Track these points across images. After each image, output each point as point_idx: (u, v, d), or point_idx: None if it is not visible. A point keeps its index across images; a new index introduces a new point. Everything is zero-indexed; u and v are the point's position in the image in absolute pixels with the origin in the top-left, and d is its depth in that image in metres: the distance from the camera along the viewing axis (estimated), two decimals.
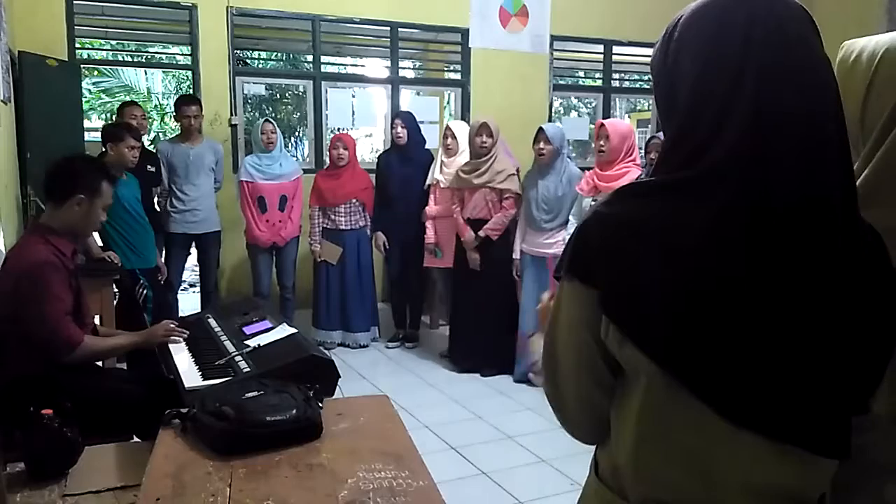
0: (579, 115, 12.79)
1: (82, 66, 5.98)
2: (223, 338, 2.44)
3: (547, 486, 2.96)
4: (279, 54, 10.91)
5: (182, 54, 7.14)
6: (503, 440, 3.43)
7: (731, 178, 0.77)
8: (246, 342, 2.34)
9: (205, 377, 2.11)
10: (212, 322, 2.63)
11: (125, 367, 3.57)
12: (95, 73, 11.45)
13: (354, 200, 4.78)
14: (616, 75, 7.22)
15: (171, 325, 2.49)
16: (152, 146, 7.66)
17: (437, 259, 4.76)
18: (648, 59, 0.93)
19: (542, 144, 4.09)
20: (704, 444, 0.80)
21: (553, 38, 6.49)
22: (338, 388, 2.26)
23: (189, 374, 2.15)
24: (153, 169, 4.61)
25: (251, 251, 4.80)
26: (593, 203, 0.90)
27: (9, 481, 1.82)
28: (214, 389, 1.92)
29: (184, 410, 1.76)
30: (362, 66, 8.49)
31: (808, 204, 0.77)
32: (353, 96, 6.60)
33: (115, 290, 3.93)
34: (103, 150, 4.05)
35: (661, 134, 4.32)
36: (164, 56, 8.58)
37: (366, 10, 5.91)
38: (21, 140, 4.43)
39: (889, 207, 0.90)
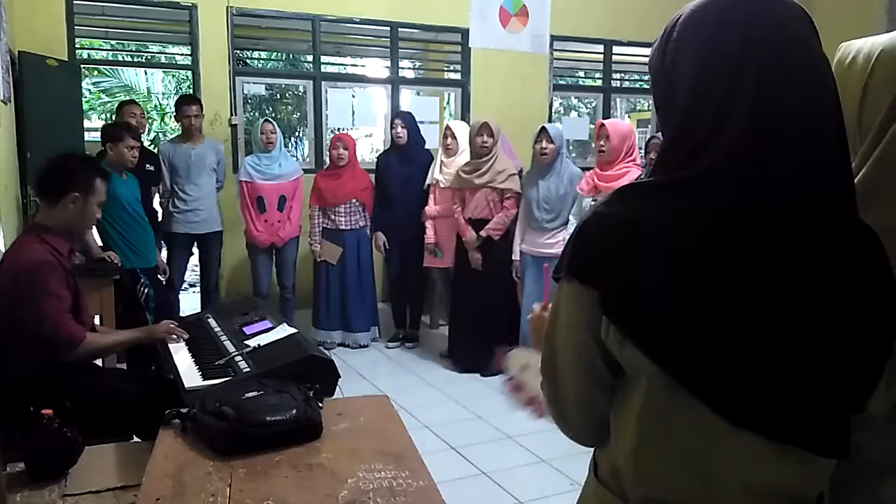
0: (579, 115, 12.79)
1: (82, 66, 5.99)
2: (223, 338, 2.44)
3: (547, 486, 2.96)
4: (279, 54, 10.92)
5: (182, 54, 7.14)
6: (503, 440, 3.43)
7: (730, 178, 0.77)
8: (246, 342, 2.34)
9: (205, 377, 2.11)
10: (212, 322, 2.63)
11: (125, 367, 3.58)
12: (95, 73, 11.45)
13: (354, 200, 4.78)
14: (616, 75, 7.22)
15: (172, 325, 2.50)
16: (152, 146, 7.64)
17: (437, 259, 4.76)
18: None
19: (544, 144, 4.10)
20: (704, 444, 0.80)
21: (553, 38, 6.50)
22: (338, 388, 2.26)
23: (189, 374, 2.15)
24: (152, 168, 4.61)
25: (251, 251, 4.81)
26: (593, 203, 0.89)
27: (9, 481, 1.82)
28: (214, 389, 1.92)
29: (184, 410, 1.76)
30: (362, 66, 8.49)
31: (807, 204, 0.77)
32: (353, 96, 6.60)
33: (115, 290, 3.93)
34: (102, 149, 4.06)
35: (660, 134, 4.32)
36: (164, 56, 8.58)
37: (366, 10, 5.91)
38: (21, 140, 4.43)
39: (886, 207, 0.90)
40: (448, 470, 3.00)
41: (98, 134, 4.72)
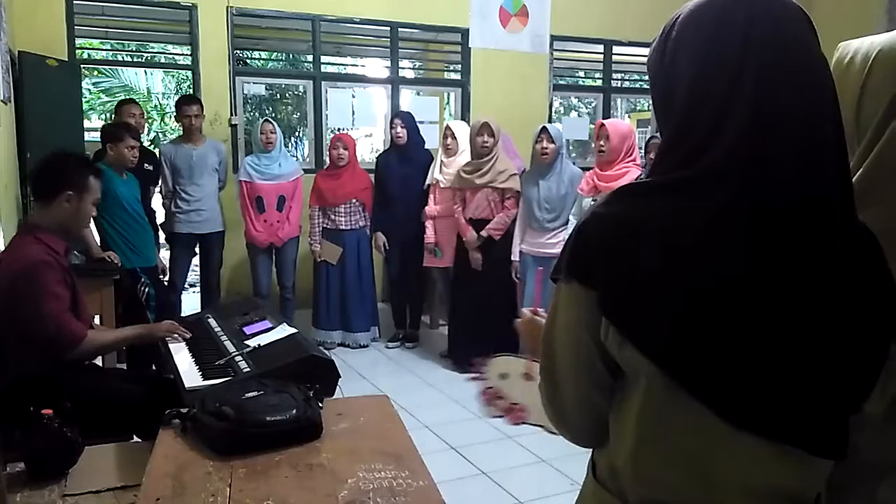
0: (579, 115, 12.79)
1: (82, 66, 5.99)
2: (223, 338, 2.44)
3: (547, 486, 2.96)
4: (279, 54, 10.92)
5: (182, 54, 7.14)
6: (503, 440, 3.43)
7: (730, 178, 0.76)
8: (246, 342, 2.34)
9: (205, 377, 2.11)
10: (212, 322, 2.63)
11: (125, 367, 3.58)
12: (95, 73, 11.45)
13: (354, 200, 4.78)
14: (616, 75, 7.22)
15: (174, 324, 2.50)
16: (152, 146, 7.64)
17: (437, 259, 4.76)
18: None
19: (545, 144, 4.10)
20: (704, 445, 0.80)
21: (553, 38, 6.50)
22: (338, 388, 2.26)
23: (189, 374, 2.15)
24: (150, 168, 4.62)
25: (250, 251, 4.81)
26: (593, 203, 0.89)
27: (9, 481, 1.82)
28: (214, 389, 1.92)
29: (184, 410, 1.76)
30: (362, 66, 8.50)
31: (806, 204, 0.77)
32: (353, 96, 6.60)
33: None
34: (102, 149, 4.06)
35: (659, 134, 4.32)
36: (164, 56, 8.58)
37: (366, 10, 5.91)
38: (21, 140, 4.43)
39: (883, 208, 0.90)
40: (448, 470, 3.00)
41: (98, 134, 4.73)
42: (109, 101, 11.59)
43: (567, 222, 4.05)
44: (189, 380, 2.09)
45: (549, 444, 3.22)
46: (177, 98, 5.13)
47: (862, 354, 0.80)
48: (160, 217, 4.83)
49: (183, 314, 4.11)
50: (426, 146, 5.02)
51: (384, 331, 5.08)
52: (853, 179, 0.93)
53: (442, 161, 4.73)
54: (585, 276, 0.82)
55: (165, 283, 4.43)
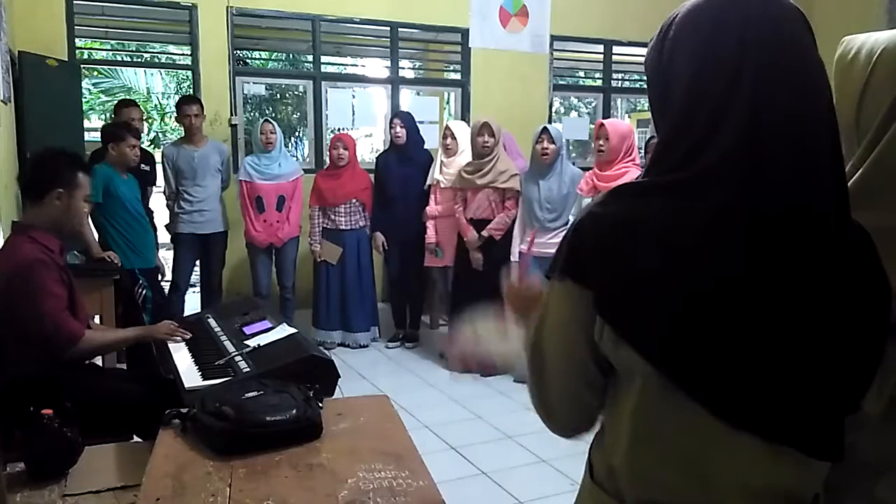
0: (579, 115, 12.80)
1: (82, 66, 5.99)
2: (223, 338, 2.44)
3: (547, 486, 2.95)
4: (279, 54, 10.93)
5: (182, 54, 7.14)
6: (503, 440, 3.43)
7: (728, 178, 0.76)
8: (246, 342, 2.34)
9: (205, 377, 2.11)
10: (212, 322, 2.63)
11: (125, 367, 3.58)
12: (95, 73, 11.46)
13: (354, 200, 4.78)
14: (616, 75, 7.22)
15: (173, 326, 2.49)
16: (152, 146, 7.64)
17: (438, 259, 4.76)
18: None
19: (546, 144, 4.10)
20: (700, 445, 0.80)
21: (553, 38, 6.50)
22: (338, 388, 2.26)
23: (189, 374, 2.15)
24: (148, 168, 4.63)
25: (250, 251, 4.81)
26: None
27: (9, 481, 1.82)
28: (214, 389, 1.92)
29: (184, 410, 1.76)
30: (362, 66, 8.50)
31: (802, 205, 0.77)
32: (353, 96, 6.60)
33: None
34: (101, 149, 4.06)
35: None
36: (164, 56, 8.59)
37: (366, 10, 5.91)
38: (21, 140, 4.43)
39: (882, 208, 0.90)
40: (448, 470, 3.00)
41: (97, 134, 4.73)
42: (109, 101, 11.61)
43: (568, 222, 4.06)
44: (189, 380, 2.09)
45: (549, 444, 3.21)
46: (177, 98, 5.13)
47: (857, 353, 0.80)
48: (161, 218, 4.83)
49: (184, 314, 4.11)
50: (426, 146, 5.02)
51: (384, 331, 5.07)
52: (853, 179, 0.93)
53: (442, 161, 4.73)
54: (581, 275, 0.82)
55: (163, 285, 4.43)
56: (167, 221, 4.82)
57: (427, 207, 4.72)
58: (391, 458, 1.61)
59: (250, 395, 1.76)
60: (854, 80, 0.97)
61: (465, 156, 4.59)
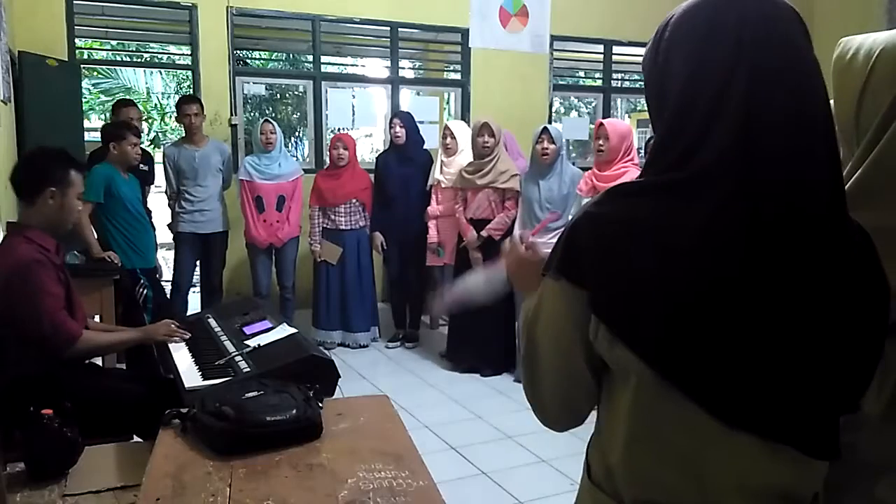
0: (579, 115, 12.80)
1: (82, 66, 5.99)
2: (223, 338, 2.44)
3: (547, 486, 2.95)
4: (279, 54, 10.93)
5: (182, 54, 7.14)
6: (503, 440, 3.43)
7: (723, 179, 0.77)
8: (246, 342, 2.34)
9: (205, 377, 2.11)
10: (212, 322, 2.63)
11: (125, 367, 3.58)
12: (95, 73, 11.46)
13: (354, 200, 4.78)
14: (616, 75, 7.22)
15: (173, 326, 2.49)
16: (152, 146, 7.64)
17: (439, 258, 4.76)
18: None
19: (546, 144, 4.10)
20: (698, 444, 0.80)
21: (553, 38, 6.50)
22: (338, 388, 2.26)
23: (189, 374, 2.15)
24: (146, 168, 4.63)
25: (250, 251, 4.81)
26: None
27: (9, 481, 1.82)
28: (214, 389, 1.92)
29: (184, 410, 1.76)
30: (362, 66, 8.50)
31: (799, 205, 0.77)
32: (353, 96, 6.60)
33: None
34: (101, 148, 4.06)
35: None
36: (164, 56, 8.58)
37: (366, 10, 5.91)
38: (21, 140, 4.43)
39: (882, 208, 0.90)
40: (448, 470, 3.00)
41: (97, 134, 4.73)
42: (109, 101, 11.60)
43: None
44: (189, 380, 2.09)
45: (549, 444, 3.22)
46: (177, 98, 5.14)
47: (855, 352, 0.80)
48: (160, 217, 4.83)
49: (187, 314, 4.11)
50: (426, 146, 5.02)
51: (384, 331, 5.08)
52: (853, 179, 0.93)
53: (442, 161, 4.73)
54: (576, 275, 0.82)
55: (163, 285, 4.43)
56: (168, 221, 4.82)
57: (429, 207, 4.72)
58: (391, 458, 1.61)
59: (250, 395, 1.76)
60: (853, 80, 0.97)
61: (464, 155, 4.59)
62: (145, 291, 3.96)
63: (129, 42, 6.73)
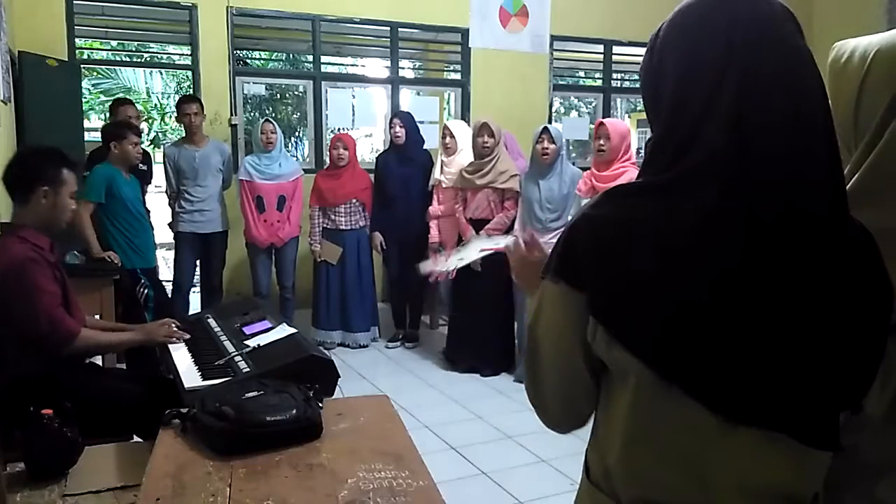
0: (579, 115, 12.80)
1: (82, 66, 5.99)
2: (223, 338, 2.44)
3: (547, 486, 2.96)
4: (279, 54, 10.93)
5: (182, 54, 7.14)
6: (503, 440, 3.43)
7: (717, 178, 0.77)
8: (246, 342, 2.34)
9: (205, 377, 2.10)
10: (211, 322, 2.63)
11: (125, 367, 3.58)
12: (95, 73, 11.46)
13: (354, 200, 4.78)
14: (616, 75, 7.22)
15: (173, 326, 2.49)
16: (152, 146, 7.64)
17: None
18: None
19: (546, 144, 4.10)
20: (698, 444, 0.80)
21: (553, 38, 6.50)
22: (338, 388, 2.26)
23: (189, 374, 2.14)
24: (145, 168, 4.63)
25: (250, 251, 4.81)
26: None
27: (9, 481, 1.82)
28: (214, 389, 1.92)
29: (184, 410, 1.76)
30: (362, 66, 8.50)
31: (798, 205, 0.77)
32: (353, 96, 6.60)
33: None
34: (100, 148, 4.06)
35: None
36: (164, 56, 8.59)
37: (366, 10, 5.92)
38: (21, 140, 4.43)
39: (882, 208, 0.90)
40: (448, 470, 3.00)
41: (97, 134, 4.73)
42: (109, 101, 11.61)
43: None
44: (189, 380, 2.09)
45: (549, 444, 3.22)
46: (177, 98, 5.14)
47: (857, 351, 0.80)
48: (159, 217, 4.83)
49: (188, 314, 4.11)
50: (426, 146, 5.02)
51: (384, 331, 5.08)
52: (852, 181, 0.93)
53: (443, 161, 4.73)
54: (574, 278, 0.82)
55: (162, 284, 4.43)
56: (168, 220, 4.82)
57: (430, 207, 4.72)
58: (391, 458, 1.61)
59: (250, 395, 1.76)
60: (849, 82, 0.97)
61: (464, 155, 4.59)
62: (146, 291, 3.96)
63: (129, 42, 6.74)
